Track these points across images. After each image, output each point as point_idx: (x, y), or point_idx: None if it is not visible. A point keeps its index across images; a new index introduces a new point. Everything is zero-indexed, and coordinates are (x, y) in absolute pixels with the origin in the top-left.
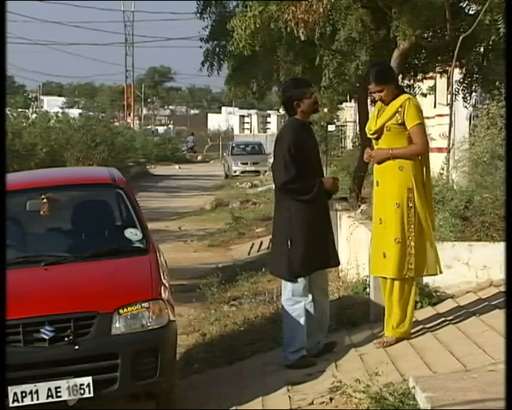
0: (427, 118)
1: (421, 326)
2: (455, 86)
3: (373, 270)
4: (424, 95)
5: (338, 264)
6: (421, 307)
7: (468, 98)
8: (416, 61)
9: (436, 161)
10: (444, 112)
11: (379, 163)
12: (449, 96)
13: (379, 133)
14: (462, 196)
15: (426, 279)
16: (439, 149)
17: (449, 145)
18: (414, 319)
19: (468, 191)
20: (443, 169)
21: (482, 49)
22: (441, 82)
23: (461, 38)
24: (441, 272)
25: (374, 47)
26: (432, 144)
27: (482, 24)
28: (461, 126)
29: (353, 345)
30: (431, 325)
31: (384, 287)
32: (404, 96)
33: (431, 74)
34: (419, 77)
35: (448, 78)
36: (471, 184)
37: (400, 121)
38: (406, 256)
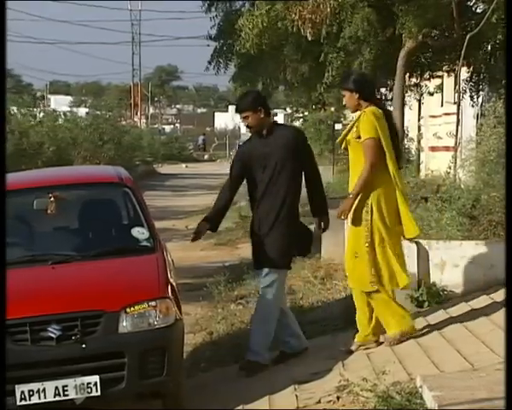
0: (434, 117)
1: (428, 325)
2: (462, 85)
3: (348, 280)
4: (431, 94)
5: None
6: (429, 305)
7: (475, 97)
8: (423, 60)
9: (443, 160)
10: (451, 111)
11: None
12: (456, 94)
13: (345, 147)
14: (470, 194)
15: (433, 278)
16: (446, 148)
17: (456, 144)
18: (420, 318)
19: (475, 190)
20: (450, 168)
21: (489, 48)
22: (448, 81)
23: (468, 36)
24: (405, 286)
25: (380, 45)
26: (439, 143)
27: (489, 22)
28: (468, 125)
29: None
30: (438, 323)
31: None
32: (366, 109)
33: (438, 73)
34: (426, 76)
35: (455, 76)
36: (478, 183)
37: (357, 135)
38: (367, 270)
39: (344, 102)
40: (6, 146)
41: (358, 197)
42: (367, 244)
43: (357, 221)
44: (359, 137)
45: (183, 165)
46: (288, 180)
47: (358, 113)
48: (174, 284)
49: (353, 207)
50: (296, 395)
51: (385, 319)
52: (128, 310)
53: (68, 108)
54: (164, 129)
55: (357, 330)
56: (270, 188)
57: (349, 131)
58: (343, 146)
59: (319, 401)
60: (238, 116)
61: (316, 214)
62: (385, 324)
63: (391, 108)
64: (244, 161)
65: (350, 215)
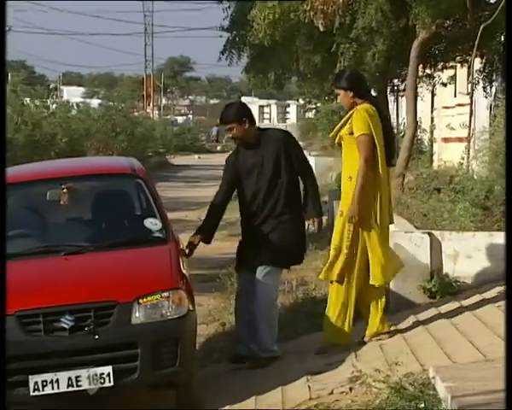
0: (447, 107)
1: (441, 316)
2: (475, 76)
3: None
4: (444, 84)
5: None
6: (441, 297)
7: (489, 88)
8: (436, 51)
9: (456, 151)
10: (464, 101)
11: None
12: (469, 85)
13: (338, 141)
14: (483, 185)
15: (446, 269)
16: (460, 139)
17: (469, 135)
18: (433, 309)
19: (488, 181)
20: (463, 159)
21: (503, 38)
22: (461, 71)
23: (481, 27)
24: (384, 284)
25: (393, 36)
26: (452, 134)
27: (503, 12)
28: (481, 116)
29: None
30: (451, 314)
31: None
32: (359, 106)
33: (451, 64)
34: (439, 66)
35: (468, 67)
36: (491, 174)
37: (350, 131)
38: (341, 263)
39: (338, 101)
40: (5, 143)
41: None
42: (348, 239)
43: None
44: (352, 134)
45: (196, 156)
46: (286, 185)
47: (351, 110)
48: (187, 274)
49: (357, 209)
50: (309, 386)
51: (325, 320)
52: (141, 301)
53: (81, 100)
54: (176, 120)
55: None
56: (268, 195)
57: (342, 126)
58: (336, 141)
59: (332, 392)
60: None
61: (307, 215)
62: (323, 325)
63: (403, 99)
64: (234, 174)
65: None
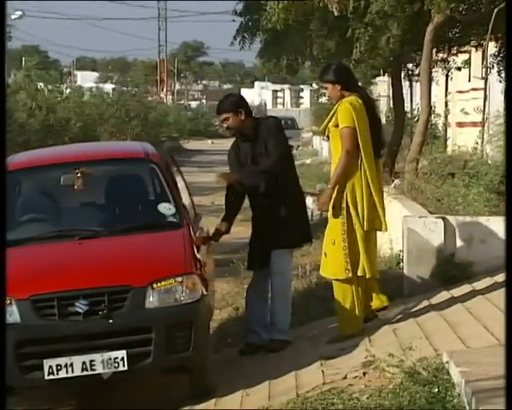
0: (462, 92)
1: (454, 301)
2: (490, 60)
3: (320, 269)
4: (458, 69)
5: None
6: (455, 281)
7: (503, 72)
8: (451, 35)
9: (470, 136)
10: (478, 86)
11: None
12: (484, 69)
13: (327, 134)
14: (497, 170)
15: (460, 254)
16: (474, 124)
17: (483, 119)
18: (447, 294)
19: (502, 166)
20: (477, 143)
21: None
22: (476, 55)
23: (496, 10)
24: (373, 276)
25: (407, 20)
26: (466, 118)
27: None
28: (495, 100)
29: (387, 320)
30: (465, 299)
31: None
32: (344, 99)
33: (466, 48)
34: (453, 51)
35: (483, 51)
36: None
37: (335, 124)
38: (342, 257)
39: (327, 94)
40: (6, 139)
41: (336, 187)
42: (343, 232)
43: (336, 211)
44: (337, 126)
45: (209, 141)
46: (286, 170)
47: (338, 103)
48: (201, 259)
49: (332, 198)
50: (322, 371)
51: (339, 313)
52: (155, 285)
53: (94, 84)
54: (190, 105)
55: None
56: (270, 183)
57: (330, 119)
58: (326, 134)
59: (345, 377)
60: (266, 90)
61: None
62: (337, 318)
63: (417, 84)
64: (237, 167)
65: (330, 205)
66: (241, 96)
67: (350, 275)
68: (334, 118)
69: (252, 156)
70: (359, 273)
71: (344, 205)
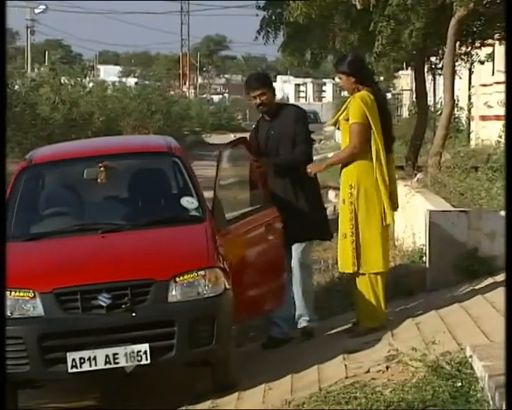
0: (485, 85)
1: (478, 295)
2: None
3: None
4: (482, 62)
5: None
6: (479, 275)
7: None
8: (474, 28)
9: (494, 129)
10: (502, 79)
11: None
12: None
13: (338, 126)
14: None
15: (483, 248)
16: (497, 117)
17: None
18: (470, 288)
19: None
20: (501, 137)
21: None
22: (500, 49)
23: None
24: (385, 271)
25: (430, 14)
26: (489, 112)
27: None
28: None
29: (410, 314)
30: (488, 293)
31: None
32: (356, 94)
33: (489, 41)
34: (477, 44)
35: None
36: None
37: (346, 117)
38: (351, 252)
39: (340, 85)
40: (6, 137)
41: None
42: (351, 226)
43: (345, 206)
44: (348, 120)
45: (232, 135)
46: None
47: (351, 96)
48: (223, 253)
49: (321, 168)
50: (345, 365)
51: (358, 307)
52: (177, 279)
53: (117, 79)
54: (212, 99)
55: None
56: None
57: (342, 112)
58: (337, 126)
59: (368, 371)
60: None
61: None
62: (357, 313)
63: (441, 77)
64: (255, 147)
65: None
66: (269, 75)
67: (356, 269)
68: (345, 111)
69: (267, 139)
70: (368, 271)
71: (352, 200)
